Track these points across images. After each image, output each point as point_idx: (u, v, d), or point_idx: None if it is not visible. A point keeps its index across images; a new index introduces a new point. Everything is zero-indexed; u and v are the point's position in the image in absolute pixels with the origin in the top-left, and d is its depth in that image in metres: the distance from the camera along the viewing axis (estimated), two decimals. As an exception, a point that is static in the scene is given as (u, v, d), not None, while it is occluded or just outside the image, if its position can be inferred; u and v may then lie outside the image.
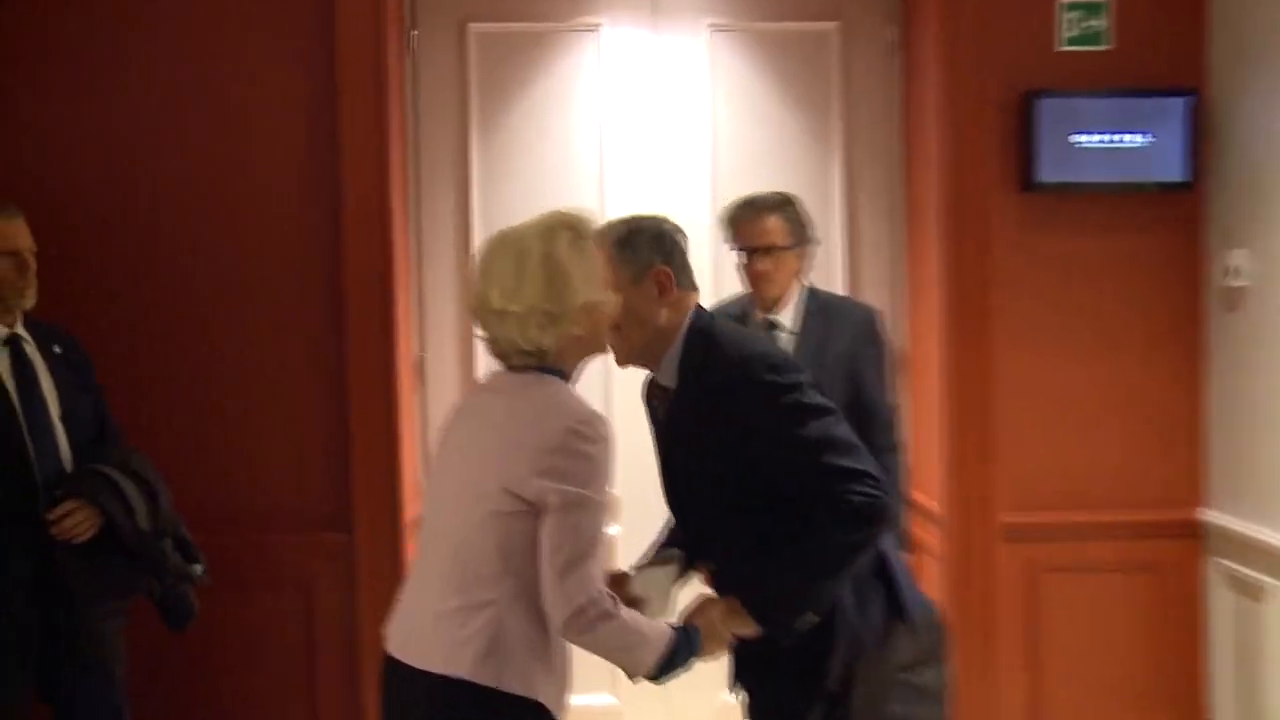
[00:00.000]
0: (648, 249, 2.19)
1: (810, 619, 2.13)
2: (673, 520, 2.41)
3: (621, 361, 2.24)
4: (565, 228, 2.02)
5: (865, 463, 2.13)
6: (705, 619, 2.12)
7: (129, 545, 2.79)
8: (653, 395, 2.35)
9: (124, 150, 3.52)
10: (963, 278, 3.56)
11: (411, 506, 3.71)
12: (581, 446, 1.92)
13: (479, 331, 2.07)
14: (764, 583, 2.11)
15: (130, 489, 2.82)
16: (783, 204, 3.07)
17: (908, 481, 3.16)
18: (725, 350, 2.16)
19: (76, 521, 2.75)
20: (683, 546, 2.35)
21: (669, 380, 2.23)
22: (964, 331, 3.58)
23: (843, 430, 2.14)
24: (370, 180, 3.46)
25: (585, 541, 1.92)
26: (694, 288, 2.27)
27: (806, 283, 3.19)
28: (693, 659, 2.07)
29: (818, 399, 2.14)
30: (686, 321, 2.21)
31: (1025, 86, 3.62)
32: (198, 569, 2.97)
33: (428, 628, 2.00)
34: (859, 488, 2.09)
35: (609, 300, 2.06)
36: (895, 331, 3.88)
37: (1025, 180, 3.64)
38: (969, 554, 3.61)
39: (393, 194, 3.52)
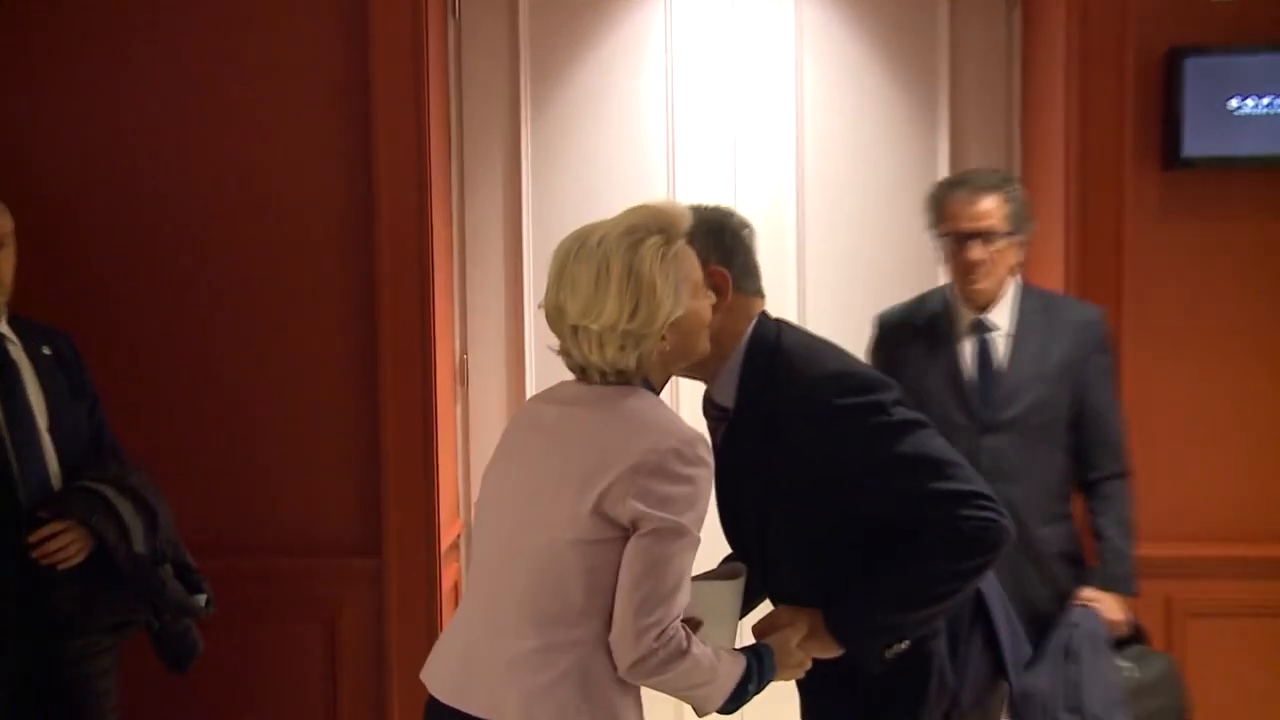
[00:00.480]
0: (702, 245, 2.03)
1: (900, 648, 2.01)
2: None
3: (695, 376, 2.13)
4: (654, 232, 1.88)
5: (973, 481, 1.98)
6: (780, 639, 1.99)
7: (123, 572, 2.63)
8: (707, 412, 2.20)
9: (132, 141, 3.38)
10: (1090, 273, 3.27)
11: (450, 528, 3.60)
12: (684, 470, 1.81)
13: (555, 342, 1.96)
14: (854, 601, 1.99)
15: (126, 508, 2.66)
16: (1003, 183, 2.82)
17: (1133, 511, 2.88)
18: (794, 370, 2.02)
19: (64, 544, 2.59)
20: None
21: (725, 398, 2.09)
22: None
23: (939, 446, 1.99)
24: (407, 165, 3.27)
25: (673, 578, 1.79)
26: (759, 294, 2.12)
27: (1019, 278, 2.92)
28: (765, 684, 1.95)
29: (904, 413, 1.98)
30: (748, 332, 2.07)
31: (1170, 42, 3.37)
32: (201, 600, 2.79)
33: (498, 672, 1.86)
34: (971, 511, 1.95)
35: (702, 307, 1.96)
36: None
37: (1168, 155, 3.37)
38: None
39: (433, 180, 3.34)
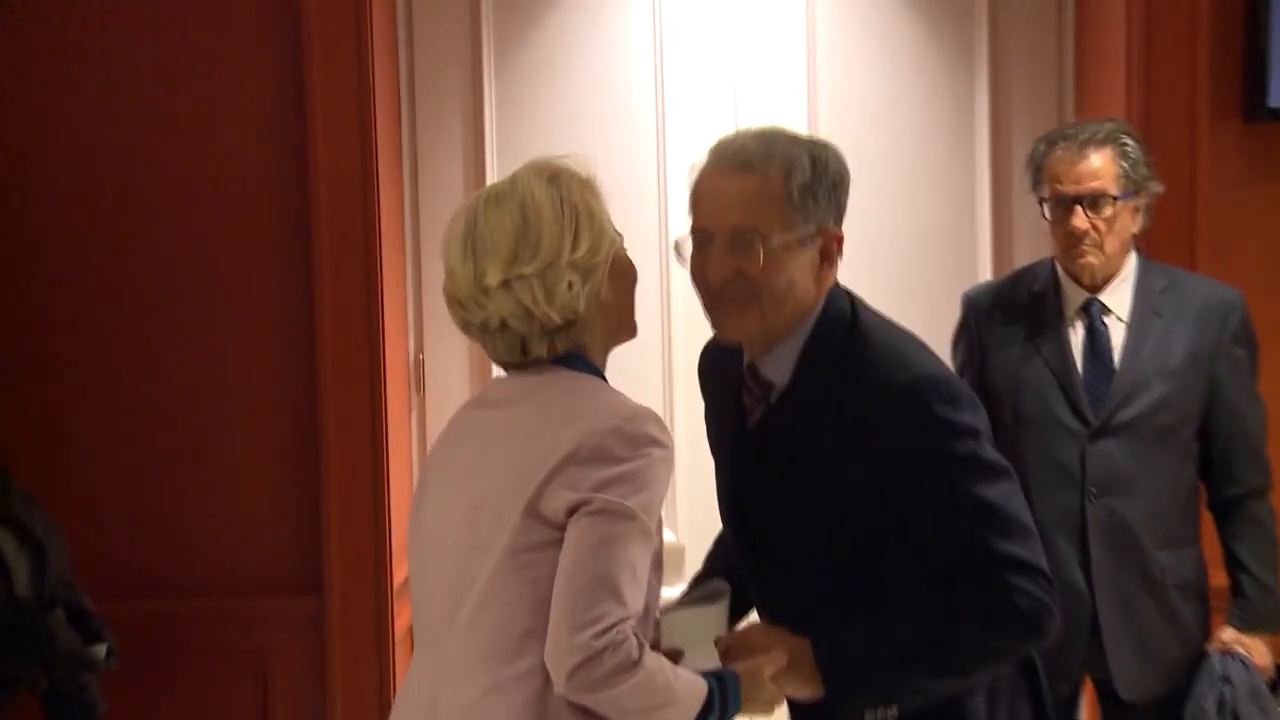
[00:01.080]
0: (828, 200, 1.88)
1: (890, 714, 1.87)
2: (721, 543, 2.21)
3: (754, 350, 1.94)
4: (568, 171, 1.81)
5: (1038, 555, 1.85)
6: (751, 667, 1.83)
7: (3, 620, 2.49)
8: (718, 370, 2.07)
9: (22, 115, 3.13)
10: (1159, 244, 2.99)
11: (403, 561, 3.25)
12: (627, 452, 1.69)
13: (468, 328, 1.84)
14: (855, 644, 1.85)
15: (8, 543, 2.53)
16: (1115, 135, 2.63)
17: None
18: (882, 359, 1.87)
19: None
20: (734, 579, 2.07)
21: (777, 374, 1.93)
22: None
23: (1019, 505, 1.87)
24: (348, 138, 3.08)
25: (619, 566, 1.65)
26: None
27: (1138, 252, 2.73)
28: (728, 717, 1.79)
29: (995, 455, 1.86)
30: (820, 302, 1.92)
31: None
32: (101, 650, 2.63)
33: None
34: (1028, 586, 1.82)
35: (628, 262, 1.85)
36: None
37: (1251, 105, 3.15)
38: None
39: (379, 154, 3.15)
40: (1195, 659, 2.59)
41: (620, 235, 1.81)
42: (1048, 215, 2.66)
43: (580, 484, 1.67)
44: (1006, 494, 1.85)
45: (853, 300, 1.95)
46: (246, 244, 3.13)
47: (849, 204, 1.93)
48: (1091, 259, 2.60)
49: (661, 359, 3.38)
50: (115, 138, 3.11)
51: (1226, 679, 2.53)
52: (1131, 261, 2.66)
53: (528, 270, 1.74)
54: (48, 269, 3.13)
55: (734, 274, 1.84)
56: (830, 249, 1.89)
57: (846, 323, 1.91)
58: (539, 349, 1.78)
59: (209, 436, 3.16)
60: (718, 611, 1.96)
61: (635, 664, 1.66)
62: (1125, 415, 2.57)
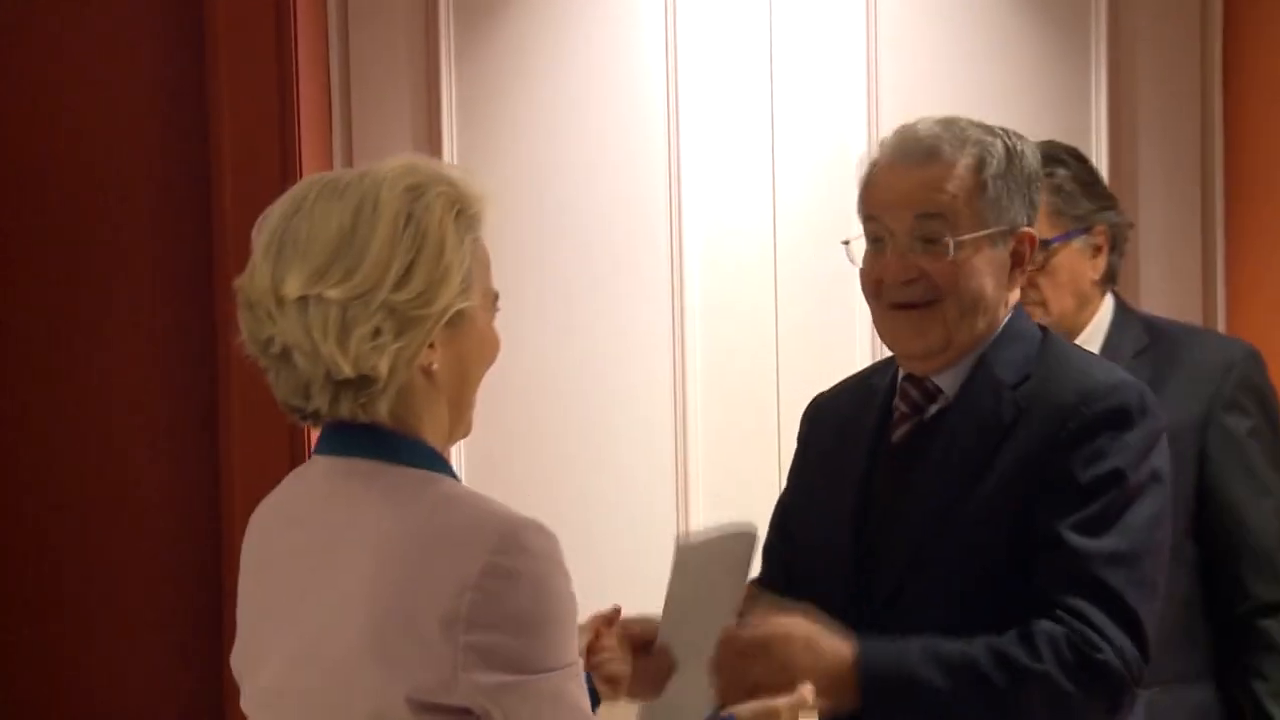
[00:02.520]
0: (1023, 195, 1.85)
1: None
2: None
3: (930, 366, 1.87)
4: (444, 184, 1.56)
5: (1147, 614, 1.75)
6: (763, 711, 1.69)
7: None
8: (855, 411, 2.01)
9: None
10: None
11: None
12: (512, 596, 1.47)
13: (254, 344, 1.55)
14: (908, 663, 1.75)
15: None
16: (1049, 162, 2.44)
17: None
18: (1081, 362, 1.90)
19: None
20: None
21: (948, 384, 1.89)
22: None
23: (1160, 550, 1.80)
24: (263, 148, 2.82)
25: None
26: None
27: (1110, 298, 2.58)
28: None
29: (1165, 488, 1.85)
30: (1009, 316, 1.90)
31: None
32: None
33: None
34: (1120, 640, 1.71)
35: (491, 328, 1.63)
36: None
37: None
38: None
39: (303, 167, 2.88)
40: None
41: (495, 295, 1.63)
42: None
43: (480, 663, 1.48)
44: (1155, 525, 1.82)
45: (1044, 328, 1.99)
46: (140, 274, 2.84)
47: None
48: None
49: (673, 394, 3.14)
50: None
51: None
52: (1104, 309, 2.50)
53: (332, 294, 1.50)
54: None
55: (917, 274, 1.82)
56: (1023, 251, 1.88)
57: (1035, 338, 1.91)
58: (320, 400, 1.53)
59: (95, 551, 2.82)
60: (741, 553, 1.85)
61: None
62: None
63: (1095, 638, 1.73)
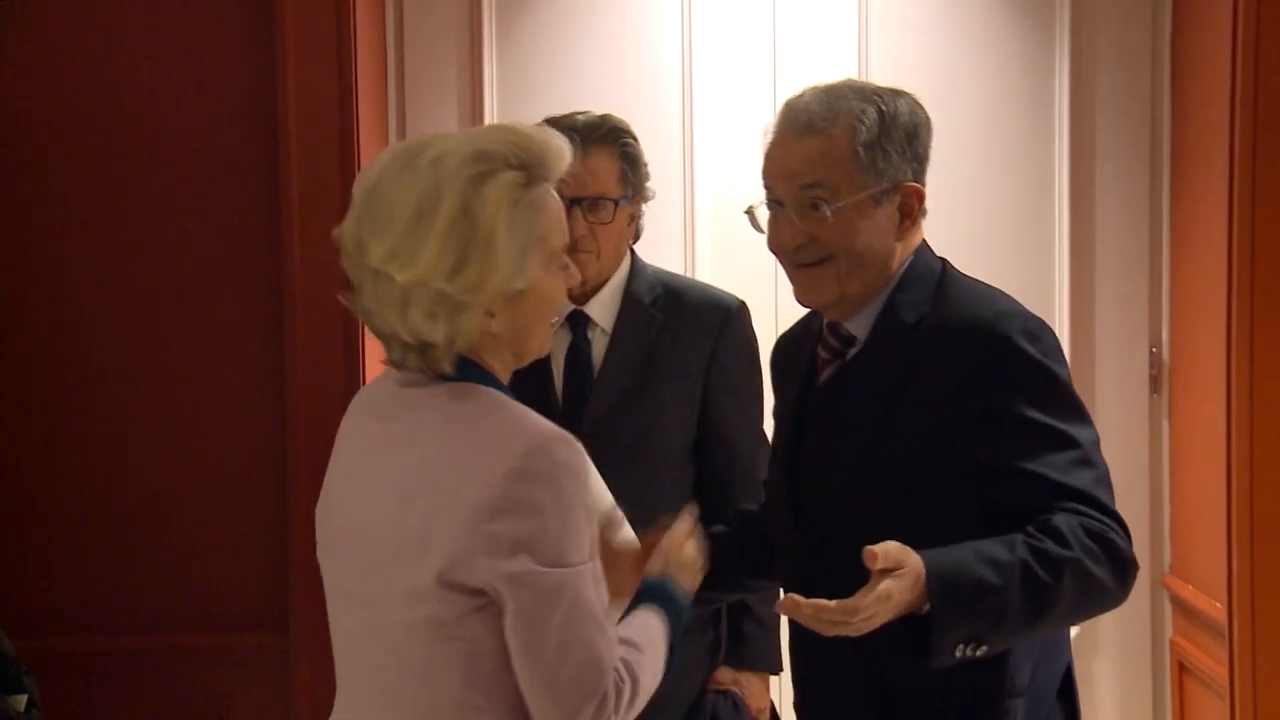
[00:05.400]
0: (901, 153, 1.87)
1: (974, 654, 1.74)
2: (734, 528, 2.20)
3: (835, 313, 1.93)
4: (512, 166, 1.61)
5: (1113, 502, 1.81)
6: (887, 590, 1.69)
7: None
8: (791, 361, 2.08)
9: None
10: (1266, 249, 2.82)
11: None
12: (536, 491, 1.56)
13: (351, 294, 1.67)
14: (967, 561, 1.73)
15: None
16: (617, 133, 2.53)
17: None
18: (968, 298, 1.90)
19: None
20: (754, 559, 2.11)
21: (859, 328, 1.93)
22: (1266, 335, 2.87)
23: (1103, 460, 1.84)
24: (326, 122, 2.90)
25: (581, 631, 1.58)
26: (926, 213, 1.97)
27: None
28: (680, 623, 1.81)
29: (1079, 401, 1.86)
30: (909, 259, 1.93)
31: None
32: (21, 701, 2.56)
33: None
34: (1120, 530, 1.78)
35: (553, 286, 1.69)
36: (1150, 334, 3.32)
37: None
38: (1274, 686, 2.85)
39: (362, 138, 2.97)
40: (696, 700, 2.52)
41: (564, 249, 1.68)
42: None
43: (499, 548, 1.56)
44: (1092, 440, 1.84)
45: (945, 262, 1.97)
46: (208, 244, 2.95)
47: None
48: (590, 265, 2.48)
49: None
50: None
51: (714, 718, 2.51)
52: (623, 268, 2.54)
53: (399, 277, 1.59)
54: None
55: (807, 239, 1.86)
56: (910, 204, 1.88)
57: (937, 274, 1.93)
58: (392, 354, 1.67)
59: (166, 460, 3.00)
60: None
61: (635, 696, 1.66)
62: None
63: (1099, 524, 1.79)
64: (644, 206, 2.55)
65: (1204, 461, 3.03)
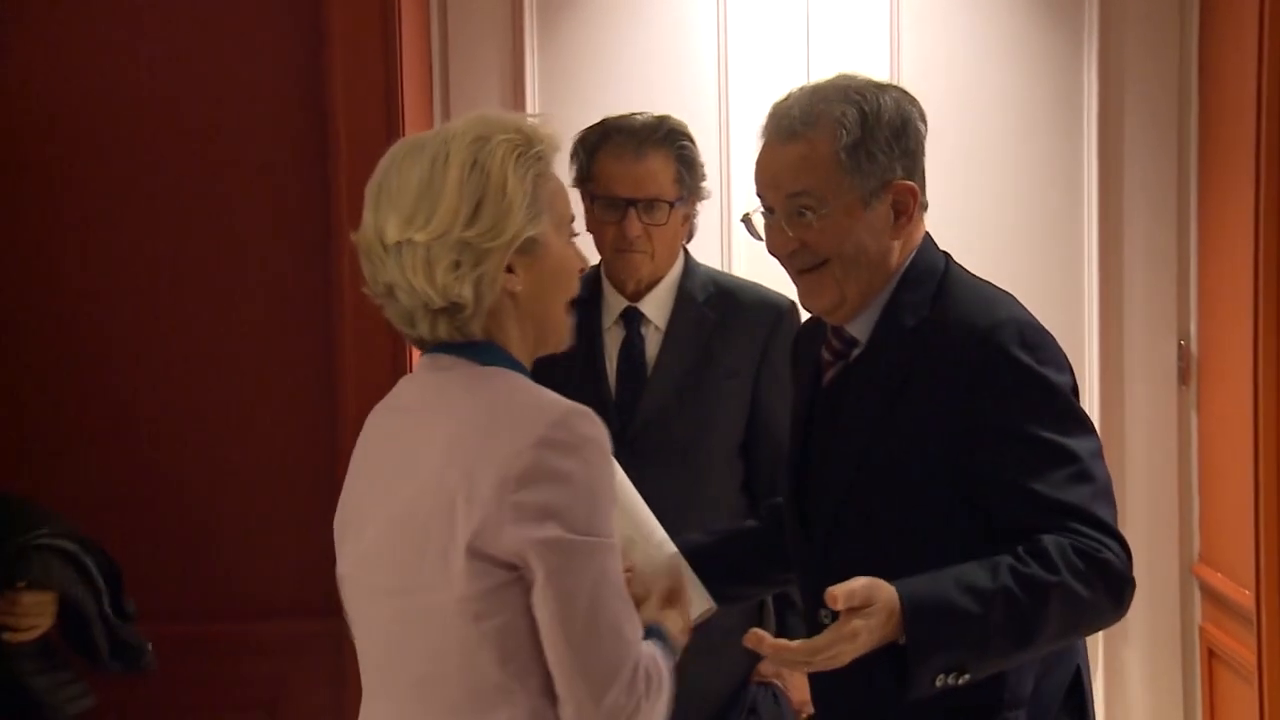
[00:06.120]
0: (888, 151, 1.81)
1: (956, 682, 1.70)
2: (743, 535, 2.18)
3: (837, 318, 1.89)
4: (511, 132, 1.64)
5: (1113, 517, 1.76)
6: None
7: (94, 639, 2.46)
8: (809, 351, 2.02)
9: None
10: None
11: None
12: (563, 461, 1.54)
13: (371, 287, 1.67)
14: (944, 590, 1.69)
15: (93, 566, 2.48)
16: (674, 136, 2.51)
17: None
18: (967, 304, 1.84)
19: (35, 617, 2.43)
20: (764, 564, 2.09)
21: (861, 331, 1.89)
22: None
23: (1103, 466, 1.79)
24: (373, 117, 2.90)
25: (606, 603, 1.55)
26: (927, 207, 1.89)
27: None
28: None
29: (1079, 410, 1.81)
30: (910, 257, 1.87)
31: None
32: (150, 653, 2.58)
33: None
34: (1115, 547, 1.72)
35: (568, 252, 1.69)
36: (1179, 327, 3.30)
37: None
38: None
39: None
40: (737, 691, 2.50)
41: (571, 219, 1.68)
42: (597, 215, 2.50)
43: (526, 516, 1.54)
44: (1091, 450, 1.78)
45: (949, 259, 1.90)
46: (269, 248, 2.97)
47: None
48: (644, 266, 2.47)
49: None
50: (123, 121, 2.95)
51: (753, 710, 2.49)
52: (677, 267, 2.52)
53: (419, 237, 1.60)
54: (53, 276, 2.99)
55: (798, 245, 1.83)
56: (904, 202, 1.82)
57: (936, 277, 1.87)
58: (424, 328, 1.65)
59: (224, 447, 3.00)
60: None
61: (660, 688, 1.62)
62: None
63: (1093, 543, 1.73)
64: (698, 206, 2.52)
65: (1232, 452, 3.00)
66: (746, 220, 1.89)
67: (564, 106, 3.20)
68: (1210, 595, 3.15)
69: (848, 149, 1.79)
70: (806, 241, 1.82)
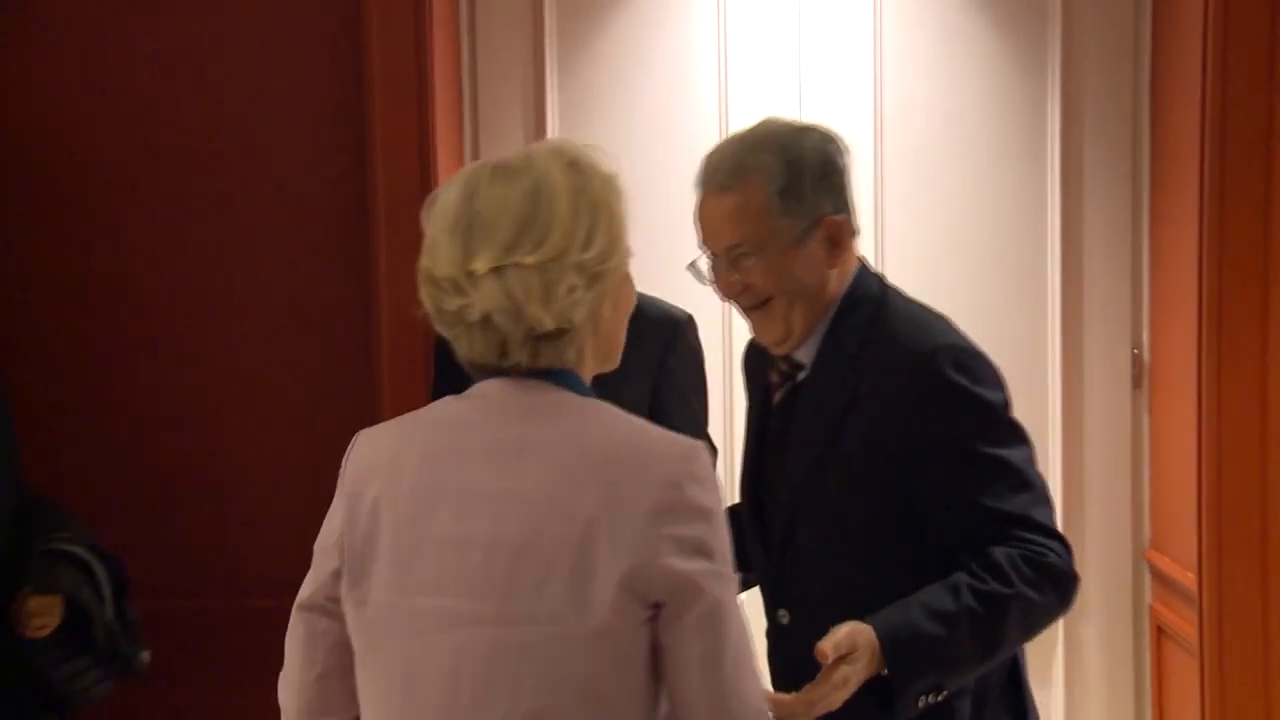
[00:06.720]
0: (815, 191, 1.82)
1: (935, 699, 1.75)
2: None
3: (785, 349, 1.89)
4: (590, 164, 1.51)
5: (1052, 519, 1.79)
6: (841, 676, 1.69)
7: (95, 639, 2.53)
8: (759, 364, 2.00)
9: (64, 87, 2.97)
10: (1232, 263, 2.82)
11: None
12: (704, 496, 1.44)
13: (441, 315, 1.50)
14: (916, 620, 1.72)
15: (100, 571, 2.54)
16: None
17: None
18: (903, 329, 1.83)
19: (46, 617, 2.48)
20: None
21: (806, 354, 1.89)
22: (1232, 339, 2.85)
23: (1036, 473, 1.81)
24: (408, 139, 2.91)
25: (745, 643, 1.46)
26: (858, 232, 1.90)
27: None
28: None
29: (1014, 422, 1.81)
30: (848, 282, 1.87)
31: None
32: (144, 657, 2.61)
33: None
34: (1056, 548, 1.77)
35: (630, 281, 1.57)
36: (1132, 337, 3.32)
37: None
38: (1245, 652, 2.85)
39: (439, 159, 2.98)
40: None
41: (631, 253, 1.55)
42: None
43: (684, 550, 1.41)
44: (1026, 458, 1.79)
45: (883, 282, 1.91)
46: (302, 250, 2.98)
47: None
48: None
49: (723, 378, 3.22)
50: (176, 147, 2.98)
51: None
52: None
53: (528, 260, 1.44)
54: (103, 271, 3.01)
55: (742, 287, 1.84)
56: (835, 235, 1.84)
57: (873, 302, 1.87)
58: (520, 355, 1.47)
59: (260, 428, 2.99)
60: None
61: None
62: None
63: (1037, 548, 1.75)
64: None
65: (1179, 449, 3.05)
66: (693, 267, 1.87)
67: (579, 132, 3.26)
68: (1159, 578, 3.20)
69: (778, 194, 1.80)
70: (750, 284, 1.83)
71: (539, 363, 1.46)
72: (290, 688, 1.57)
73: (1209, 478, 2.86)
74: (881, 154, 3.31)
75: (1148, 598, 3.30)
